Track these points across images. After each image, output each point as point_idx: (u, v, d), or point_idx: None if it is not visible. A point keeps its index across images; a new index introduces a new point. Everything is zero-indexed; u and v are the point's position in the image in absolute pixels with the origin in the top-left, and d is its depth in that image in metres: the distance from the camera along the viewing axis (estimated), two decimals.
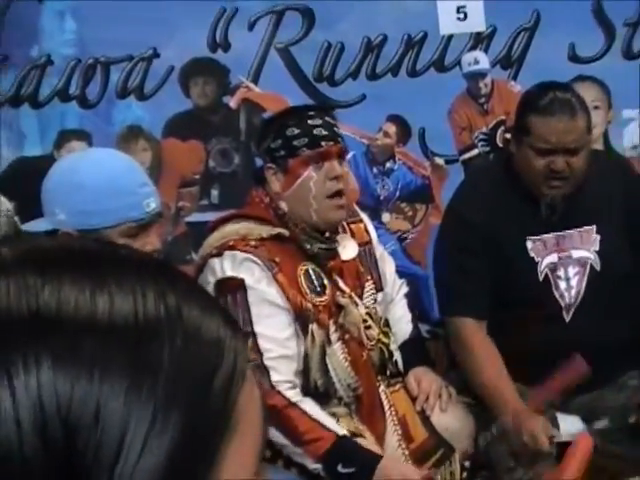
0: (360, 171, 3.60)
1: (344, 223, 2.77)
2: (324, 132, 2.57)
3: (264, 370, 2.46)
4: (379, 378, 2.80)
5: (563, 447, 2.97)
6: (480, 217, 2.87)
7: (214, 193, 3.58)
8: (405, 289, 3.03)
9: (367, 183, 3.62)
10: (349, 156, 3.52)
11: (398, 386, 2.82)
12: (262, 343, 2.48)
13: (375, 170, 3.63)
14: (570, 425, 2.98)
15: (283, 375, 2.50)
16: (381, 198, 3.64)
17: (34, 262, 0.51)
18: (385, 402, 2.76)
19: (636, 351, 2.95)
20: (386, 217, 3.65)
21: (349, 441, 2.50)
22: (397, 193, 3.65)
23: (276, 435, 2.47)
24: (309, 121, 2.57)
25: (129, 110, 3.58)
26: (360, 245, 2.81)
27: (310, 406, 2.51)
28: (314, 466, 2.47)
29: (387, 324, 2.86)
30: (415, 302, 3.45)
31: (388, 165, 3.63)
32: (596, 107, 3.58)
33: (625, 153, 3.63)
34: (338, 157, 2.61)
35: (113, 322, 0.50)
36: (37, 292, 0.49)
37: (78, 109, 3.56)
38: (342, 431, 2.51)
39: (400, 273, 3.16)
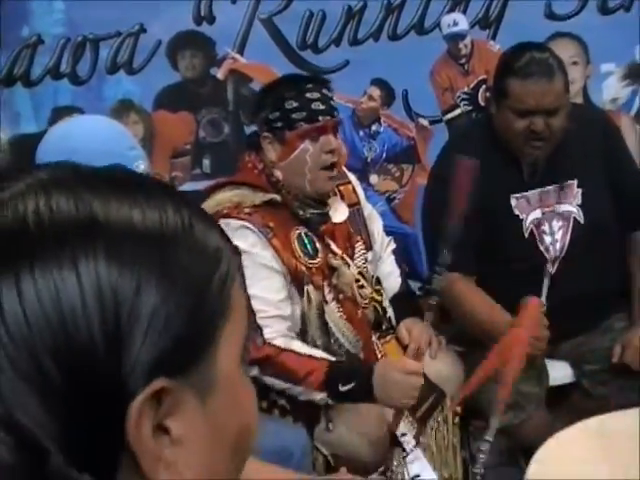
0: (347, 135, 3.67)
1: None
2: (321, 106, 2.66)
3: (257, 328, 2.57)
4: (375, 333, 2.93)
5: (553, 392, 3.11)
6: None
7: (206, 162, 3.66)
8: (392, 246, 3.12)
9: (354, 146, 3.69)
10: None
11: (389, 337, 2.93)
12: (256, 304, 2.55)
13: (361, 133, 3.70)
14: (559, 371, 3.09)
15: (276, 331, 2.61)
16: (368, 160, 3.72)
17: (84, 182, 0.67)
18: (378, 353, 2.86)
19: (621, 298, 3.06)
20: (374, 179, 3.73)
21: (341, 363, 2.63)
22: (384, 155, 3.73)
23: (277, 383, 2.59)
24: (307, 94, 2.65)
25: (119, 85, 3.64)
26: (349, 206, 2.91)
27: (298, 346, 2.62)
28: (320, 396, 2.58)
29: (379, 282, 2.97)
30: (405, 260, 3.56)
31: (374, 128, 3.71)
32: (574, 63, 3.66)
33: (604, 106, 3.69)
34: (334, 130, 2.71)
35: (146, 229, 0.66)
36: (90, 204, 0.65)
37: (70, 86, 3.62)
38: (332, 358, 2.63)
39: (390, 233, 3.25)
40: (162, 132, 3.66)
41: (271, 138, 2.68)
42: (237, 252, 0.76)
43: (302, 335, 2.69)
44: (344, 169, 3.03)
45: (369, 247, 2.96)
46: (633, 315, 3.03)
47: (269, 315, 2.61)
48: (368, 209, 3.05)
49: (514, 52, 2.93)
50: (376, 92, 3.67)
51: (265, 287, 2.61)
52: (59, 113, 3.60)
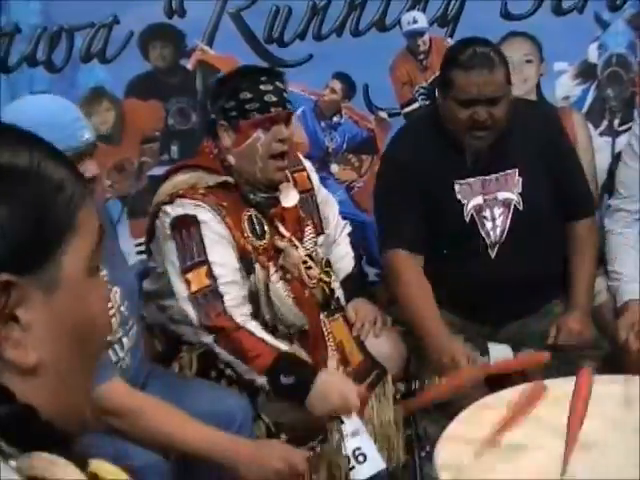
0: (309, 125, 3.80)
1: (287, 172, 3.01)
2: (274, 98, 2.79)
3: (218, 295, 2.71)
4: (324, 312, 3.05)
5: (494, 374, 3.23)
6: (411, 161, 3.07)
7: (174, 148, 3.79)
8: (348, 229, 3.27)
9: (316, 136, 3.82)
10: (299, 111, 3.76)
11: (338, 315, 3.05)
12: (216, 269, 2.72)
13: (323, 124, 3.82)
14: (500, 353, 3.16)
15: (235, 300, 2.73)
16: (329, 150, 3.84)
17: None
18: (325, 331, 3.00)
19: (559, 284, 3.19)
20: (334, 168, 3.85)
21: (290, 355, 2.71)
22: (344, 145, 3.85)
23: (225, 355, 2.70)
24: (261, 86, 2.79)
25: (93, 73, 3.75)
26: (302, 192, 3.06)
27: (256, 328, 2.73)
28: (260, 380, 2.67)
29: (328, 264, 3.11)
30: (363, 247, 3.71)
31: (335, 119, 3.83)
32: (529, 61, 3.78)
33: (557, 104, 3.80)
34: (286, 121, 2.84)
35: (1, 165, 0.87)
36: None
37: (45, 73, 3.75)
38: (284, 347, 2.73)
39: (349, 220, 3.41)
40: (132, 119, 3.79)
41: (226, 126, 2.83)
42: (85, 186, 0.95)
43: (254, 310, 2.82)
44: (300, 157, 3.17)
45: (320, 231, 3.11)
46: (569, 300, 3.16)
47: (228, 280, 2.74)
48: (322, 195, 3.20)
49: (459, 46, 3.08)
50: (338, 85, 3.79)
51: (224, 255, 2.76)
52: None
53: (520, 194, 3.09)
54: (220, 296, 2.71)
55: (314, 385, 2.62)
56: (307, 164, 3.16)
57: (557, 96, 3.84)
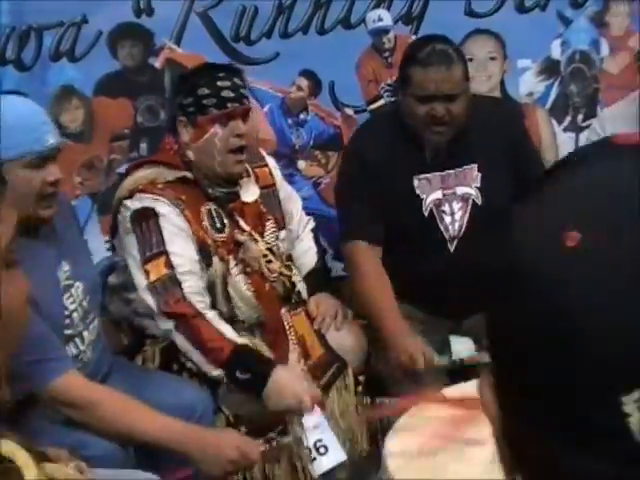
0: (276, 122, 3.84)
1: (249, 168, 3.06)
2: (231, 94, 2.85)
3: (177, 282, 2.77)
4: (285, 306, 3.11)
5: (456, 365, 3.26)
6: (371, 156, 3.11)
7: (143, 146, 3.83)
8: (311, 225, 3.32)
9: (283, 133, 3.86)
10: (266, 109, 3.81)
11: (300, 309, 3.12)
12: (174, 259, 2.79)
13: (290, 121, 3.86)
14: (462, 346, 3.21)
15: (194, 288, 2.79)
16: (296, 147, 3.87)
17: None
18: (286, 324, 3.06)
19: None
20: (301, 164, 3.88)
21: (248, 350, 2.76)
22: (311, 142, 3.88)
23: (184, 344, 2.75)
24: (219, 82, 2.85)
25: (62, 72, 3.78)
26: (264, 188, 3.11)
27: (215, 319, 2.78)
28: (216, 373, 2.73)
29: (290, 259, 3.17)
30: (330, 242, 3.76)
31: (302, 116, 3.87)
32: (492, 58, 3.83)
33: (521, 100, 3.86)
34: (243, 116, 2.89)
35: None
36: None
37: (15, 72, 3.77)
38: (242, 340, 2.78)
39: (316, 216, 3.46)
40: (102, 117, 3.82)
41: (185, 122, 2.89)
42: (4, 184, 1.00)
43: (211, 302, 2.87)
44: (263, 153, 3.23)
45: (282, 226, 3.16)
46: None
47: (187, 270, 2.80)
48: (286, 191, 3.25)
49: (418, 43, 3.14)
50: (304, 82, 3.83)
51: (183, 246, 2.82)
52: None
53: (479, 189, 3.13)
54: (179, 283, 2.77)
55: (269, 381, 2.68)
56: (270, 160, 3.21)
57: (521, 93, 3.88)
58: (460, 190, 3.14)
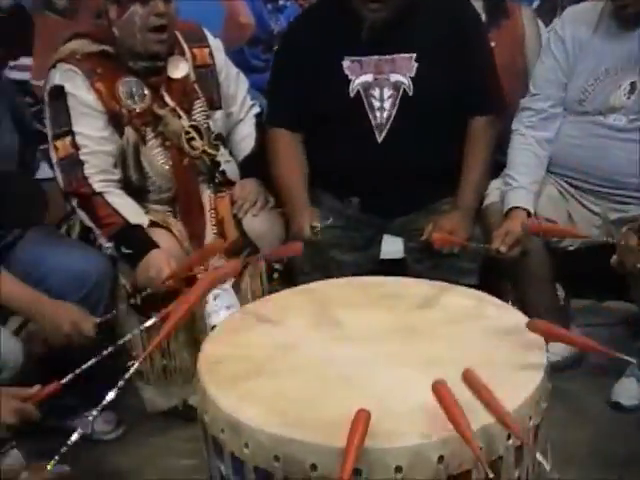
0: (256, 7, 3.84)
1: (185, 46, 3.13)
2: None
3: (80, 163, 2.92)
4: (209, 185, 3.19)
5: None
6: (304, 37, 3.09)
7: None
8: (256, 110, 3.36)
9: (262, 19, 3.86)
10: None
11: (225, 193, 3.18)
12: (79, 140, 2.93)
13: (269, 7, 3.89)
14: (391, 245, 3.23)
15: (96, 168, 2.93)
16: (275, 32, 3.91)
17: None
18: (207, 205, 3.14)
19: (454, 182, 3.13)
20: None
21: (136, 229, 2.91)
22: None
23: (86, 219, 2.94)
24: None
25: None
26: (201, 67, 3.17)
27: (114, 197, 2.93)
28: (107, 245, 2.91)
29: (220, 138, 3.22)
30: None
31: (281, 2, 3.87)
32: None
33: None
34: None
35: None
36: None
37: None
38: (138, 220, 2.92)
39: None
40: None
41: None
42: None
43: (122, 170, 3.01)
44: (208, 34, 3.26)
45: (218, 106, 3.21)
46: (456, 199, 3.12)
47: (90, 151, 2.94)
48: (230, 74, 3.27)
49: None
50: None
51: (87, 125, 2.95)
52: None
53: (412, 79, 3.04)
54: (81, 164, 2.92)
55: (144, 258, 2.83)
56: (214, 42, 3.24)
57: None
58: (393, 77, 3.05)
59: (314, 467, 1.58)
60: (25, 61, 4.21)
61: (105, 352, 1.99)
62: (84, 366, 1.95)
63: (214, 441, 1.79)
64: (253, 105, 3.35)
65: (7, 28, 4.18)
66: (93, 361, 1.95)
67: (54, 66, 2.99)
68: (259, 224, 3.13)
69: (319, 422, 1.64)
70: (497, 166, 3.21)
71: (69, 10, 3.90)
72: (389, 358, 1.90)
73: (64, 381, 1.94)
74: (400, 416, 1.66)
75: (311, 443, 1.58)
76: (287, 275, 3.13)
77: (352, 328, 2.08)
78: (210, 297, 2.94)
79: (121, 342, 2.08)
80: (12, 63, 4.20)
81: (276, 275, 3.13)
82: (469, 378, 1.72)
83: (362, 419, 1.54)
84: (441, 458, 1.58)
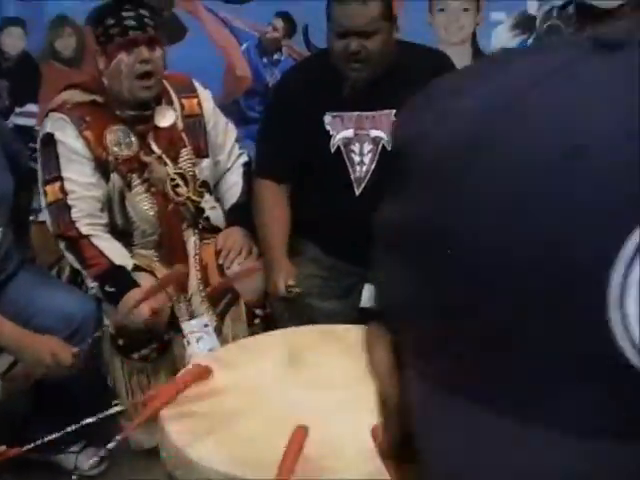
0: (252, 61, 3.96)
1: (174, 97, 3.24)
2: (133, 23, 3.03)
3: (67, 207, 3.02)
4: (195, 232, 3.26)
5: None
6: (291, 91, 3.16)
7: None
8: (244, 159, 3.43)
9: (258, 72, 3.97)
10: (244, 47, 3.95)
11: (210, 240, 3.25)
12: (67, 185, 3.04)
13: (265, 60, 3.99)
14: (369, 295, 3.30)
15: (83, 212, 3.03)
16: (270, 85, 3.99)
17: None
18: (192, 251, 3.22)
19: None
20: None
21: (120, 270, 3.00)
22: None
23: (74, 262, 3.04)
24: (123, 13, 3.04)
25: (59, 2, 4.03)
26: (189, 117, 3.27)
27: (100, 240, 3.02)
28: (92, 284, 3.00)
29: (205, 186, 3.29)
30: None
31: (276, 56, 3.95)
32: (465, 9, 3.78)
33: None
34: (148, 44, 3.04)
35: None
36: None
37: (16, 1, 4.06)
38: (121, 262, 3.01)
39: None
40: (92, 44, 4.00)
41: (99, 50, 3.11)
42: None
43: (109, 214, 3.11)
44: (197, 85, 3.35)
45: (205, 155, 3.30)
46: None
47: (78, 196, 3.04)
48: (218, 123, 3.36)
49: None
50: (280, 23, 3.92)
51: (75, 171, 3.05)
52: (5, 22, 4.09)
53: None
54: (69, 208, 3.03)
55: (125, 295, 2.94)
56: (202, 92, 3.33)
57: (493, 46, 3.80)
58: (373, 133, 3.13)
59: None
60: (31, 108, 4.33)
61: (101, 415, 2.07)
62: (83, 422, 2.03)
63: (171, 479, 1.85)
64: (241, 154, 3.42)
65: (15, 76, 4.30)
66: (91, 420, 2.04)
67: (47, 115, 3.11)
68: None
69: (269, 462, 1.70)
70: None
71: (74, 59, 4.03)
72: (348, 404, 1.94)
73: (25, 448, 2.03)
74: (347, 458, 1.72)
75: None
76: (268, 320, 3.19)
77: (318, 373, 2.14)
78: (193, 340, 3.04)
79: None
80: (18, 110, 4.32)
81: (257, 320, 3.19)
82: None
83: (299, 434, 1.61)
84: None
